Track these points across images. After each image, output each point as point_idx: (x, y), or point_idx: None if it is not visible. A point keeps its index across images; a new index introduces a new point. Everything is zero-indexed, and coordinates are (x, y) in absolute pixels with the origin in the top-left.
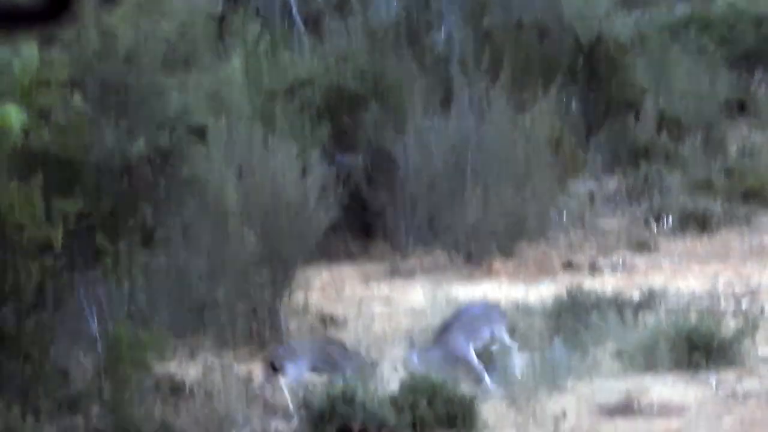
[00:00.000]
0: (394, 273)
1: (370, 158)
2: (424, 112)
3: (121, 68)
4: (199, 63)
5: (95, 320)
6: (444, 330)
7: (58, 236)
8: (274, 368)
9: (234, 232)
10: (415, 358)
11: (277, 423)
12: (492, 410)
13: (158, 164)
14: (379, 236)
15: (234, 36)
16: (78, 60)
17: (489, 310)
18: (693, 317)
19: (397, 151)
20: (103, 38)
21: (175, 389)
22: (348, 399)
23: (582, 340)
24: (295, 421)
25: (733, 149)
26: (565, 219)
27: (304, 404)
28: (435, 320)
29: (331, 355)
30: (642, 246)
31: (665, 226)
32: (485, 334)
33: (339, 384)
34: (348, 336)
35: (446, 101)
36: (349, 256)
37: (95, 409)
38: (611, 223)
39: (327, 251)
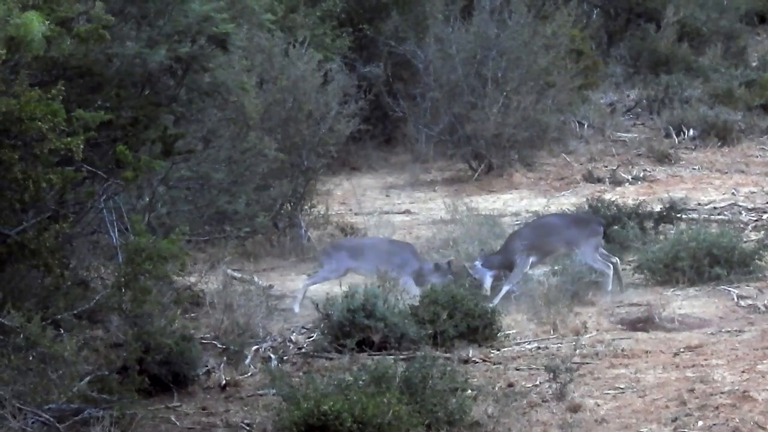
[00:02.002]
0: (414, 184)
1: (392, 68)
2: (445, 20)
3: None
4: None
5: (115, 231)
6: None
7: (79, 146)
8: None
9: (255, 142)
10: (479, 265)
11: (297, 335)
12: (513, 323)
13: (179, 74)
14: (399, 147)
15: None
16: None
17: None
18: (714, 230)
19: (418, 61)
20: None
21: (195, 301)
22: (368, 312)
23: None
24: (316, 332)
25: (753, 60)
26: (585, 130)
27: (326, 316)
28: (456, 231)
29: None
30: (663, 157)
31: (686, 138)
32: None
33: (359, 296)
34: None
35: (467, 9)
36: (370, 167)
37: (115, 321)
38: (632, 134)
39: (348, 162)
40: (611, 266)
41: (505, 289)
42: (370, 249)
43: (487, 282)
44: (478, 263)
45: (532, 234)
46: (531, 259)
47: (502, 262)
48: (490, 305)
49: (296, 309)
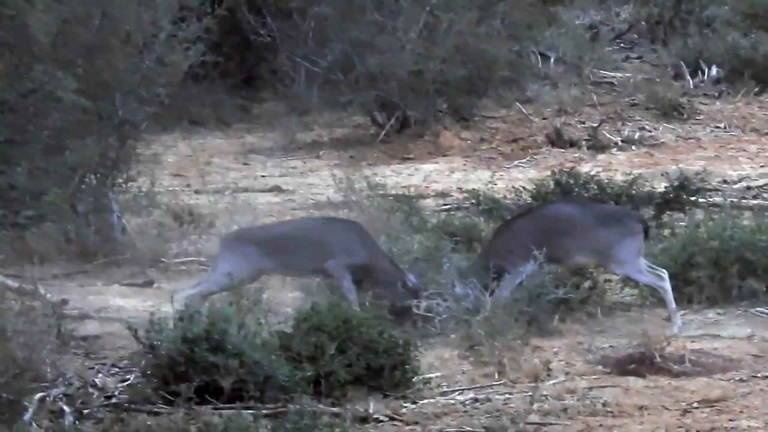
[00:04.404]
0: (288, 148)
1: None
2: None
3: None
4: None
5: None
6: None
7: None
8: None
9: (43, 79)
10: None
11: (104, 377)
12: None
13: None
14: (266, 90)
15: None
16: None
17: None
18: (747, 221)
19: None
20: None
21: None
22: (215, 343)
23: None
24: (134, 373)
25: None
26: (552, 67)
27: (149, 349)
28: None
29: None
30: (670, 110)
31: (706, 81)
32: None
33: (201, 318)
34: (215, 246)
35: None
36: (221, 121)
37: None
38: (623, 74)
39: (186, 113)
40: (666, 277)
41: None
42: (295, 238)
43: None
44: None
45: (534, 230)
46: (530, 267)
47: (484, 270)
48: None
49: (143, 335)
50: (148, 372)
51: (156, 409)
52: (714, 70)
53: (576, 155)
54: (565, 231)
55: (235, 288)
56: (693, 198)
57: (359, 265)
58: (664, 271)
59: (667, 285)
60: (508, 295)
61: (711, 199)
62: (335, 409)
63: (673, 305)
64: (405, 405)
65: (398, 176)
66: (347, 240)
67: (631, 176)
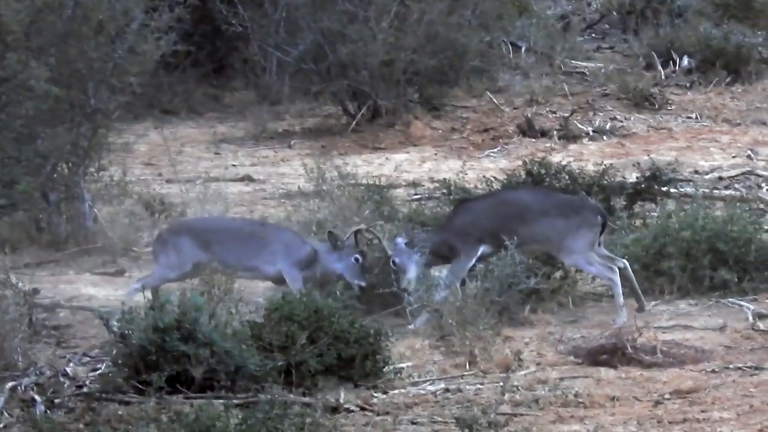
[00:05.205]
0: (259, 137)
1: None
2: None
3: None
4: None
5: None
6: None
7: None
8: None
9: (15, 68)
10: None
11: (75, 366)
12: (408, 352)
13: None
14: (237, 80)
15: None
16: None
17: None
18: (719, 212)
19: None
20: None
21: None
22: (185, 333)
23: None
24: (105, 362)
25: None
26: (523, 57)
27: (120, 338)
28: (323, 210)
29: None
30: (642, 100)
31: (678, 71)
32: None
33: (172, 307)
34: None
35: None
36: (192, 110)
37: None
38: (595, 64)
39: (157, 102)
40: (616, 270)
41: (440, 294)
42: (230, 232)
43: (411, 271)
44: (400, 240)
45: (492, 212)
46: (482, 249)
47: (437, 246)
48: (412, 326)
49: (114, 324)
50: (119, 361)
51: (127, 399)
52: (686, 61)
53: (547, 145)
54: (522, 217)
55: (174, 279)
56: (664, 188)
57: (299, 259)
58: (625, 261)
59: (617, 278)
60: (459, 279)
61: (682, 190)
62: (306, 399)
63: (621, 300)
64: (376, 395)
65: (369, 166)
66: (280, 237)
67: (603, 166)
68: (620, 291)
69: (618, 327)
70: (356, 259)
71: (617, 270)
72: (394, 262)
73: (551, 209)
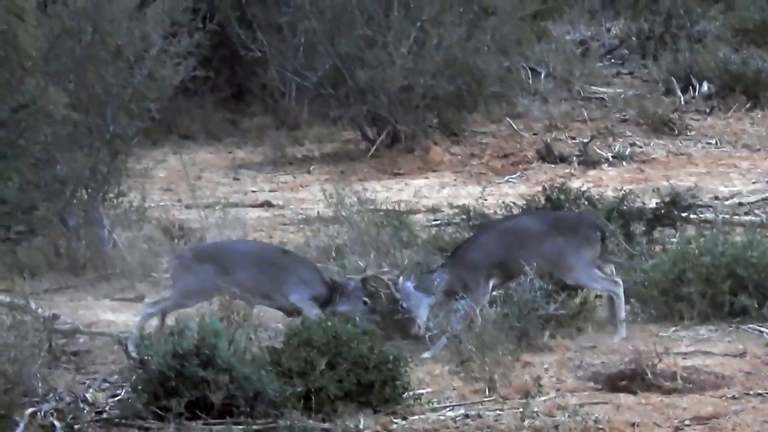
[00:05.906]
0: (278, 162)
1: None
2: None
3: None
4: None
5: None
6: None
7: None
8: None
9: (34, 94)
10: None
11: (95, 392)
12: (428, 378)
13: None
14: (256, 105)
15: None
16: None
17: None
18: (739, 237)
19: None
20: None
21: None
22: (205, 358)
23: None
24: (125, 388)
25: None
26: (543, 82)
27: (140, 364)
28: (342, 236)
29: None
30: (661, 126)
31: (697, 96)
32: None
33: (191, 333)
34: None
35: None
36: (211, 135)
37: None
38: (614, 89)
39: (176, 127)
40: (621, 284)
41: (459, 321)
42: (251, 258)
43: (423, 313)
44: (408, 284)
45: (497, 244)
46: (493, 282)
47: (449, 284)
48: (426, 355)
49: (131, 349)
50: (139, 387)
51: (147, 425)
52: (705, 86)
53: (566, 171)
54: (522, 243)
55: (190, 305)
56: (684, 214)
57: (317, 294)
58: (619, 281)
59: (621, 291)
60: (479, 307)
61: (702, 216)
62: (325, 425)
63: (623, 315)
64: (395, 421)
65: (388, 191)
66: (300, 268)
67: (622, 192)
68: (623, 306)
69: (616, 344)
70: (365, 303)
71: (621, 284)
72: (402, 306)
73: (549, 229)
